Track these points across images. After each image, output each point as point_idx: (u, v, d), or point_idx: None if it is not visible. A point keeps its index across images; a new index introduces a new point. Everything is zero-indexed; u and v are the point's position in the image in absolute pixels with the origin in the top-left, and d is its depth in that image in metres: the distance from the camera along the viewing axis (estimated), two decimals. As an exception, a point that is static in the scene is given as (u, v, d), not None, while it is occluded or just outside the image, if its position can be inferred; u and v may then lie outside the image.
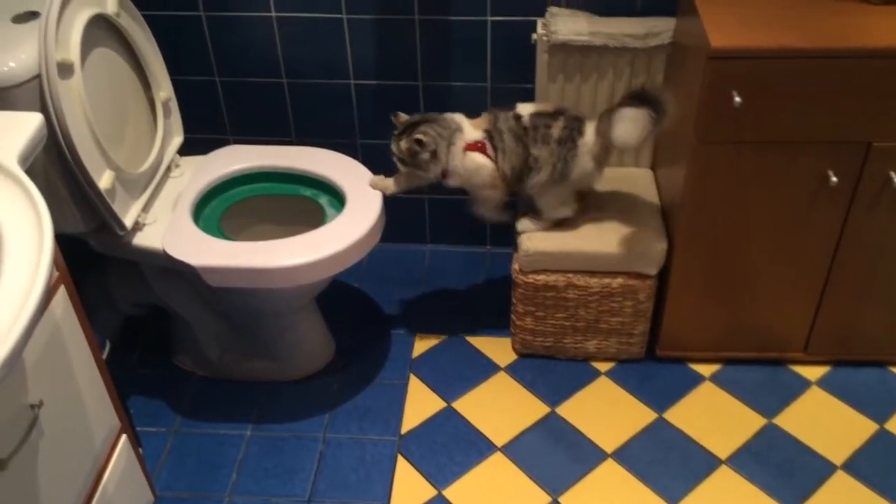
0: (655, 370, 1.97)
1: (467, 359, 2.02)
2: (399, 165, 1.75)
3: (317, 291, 1.85)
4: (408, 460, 1.79)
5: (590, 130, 1.71)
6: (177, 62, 2.01)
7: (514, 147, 1.71)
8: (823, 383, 1.93)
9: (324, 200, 1.84)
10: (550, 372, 1.97)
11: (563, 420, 1.86)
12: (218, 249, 1.65)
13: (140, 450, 1.58)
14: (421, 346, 2.06)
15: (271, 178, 1.87)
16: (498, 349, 2.04)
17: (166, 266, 1.71)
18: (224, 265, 1.62)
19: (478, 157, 1.73)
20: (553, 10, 1.87)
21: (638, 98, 1.61)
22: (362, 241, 1.69)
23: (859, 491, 1.70)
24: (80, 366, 1.27)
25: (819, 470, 1.74)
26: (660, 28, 1.81)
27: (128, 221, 1.66)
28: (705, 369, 1.97)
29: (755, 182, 1.67)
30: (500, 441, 1.82)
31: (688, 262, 1.80)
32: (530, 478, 1.75)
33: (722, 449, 1.79)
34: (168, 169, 1.85)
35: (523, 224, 1.84)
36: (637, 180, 1.98)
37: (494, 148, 1.72)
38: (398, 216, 2.25)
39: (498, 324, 2.09)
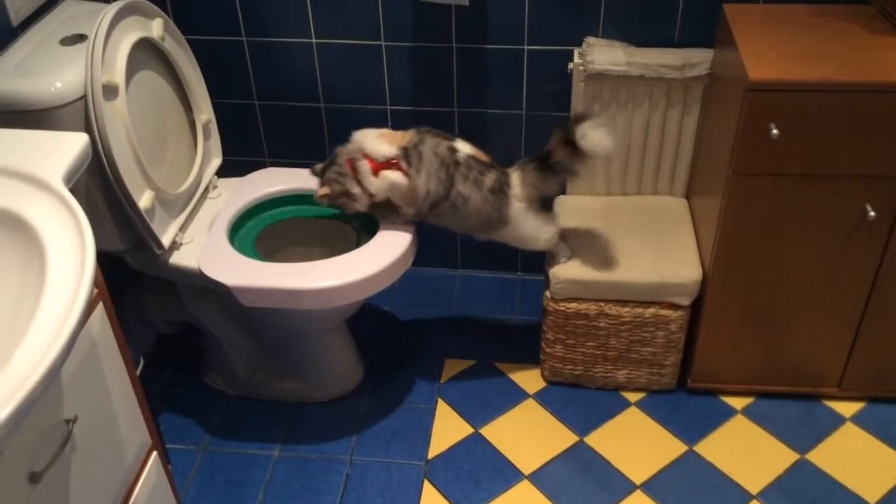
0: (686, 402, 1.95)
1: (496, 385, 2.01)
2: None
3: (348, 314, 1.86)
4: (434, 485, 1.78)
5: (515, 181, 1.74)
6: (218, 86, 2.05)
7: (436, 171, 1.69)
8: (858, 420, 1.89)
9: (357, 224, 1.86)
10: (580, 401, 1.96)
11: (592, 450, 1.84)
12: (252, 270, 1.67)
13: (169, 467, 1.60)
14: (449, 370, 2.06)
15: (306, 200, 1.89)
16: (527, 376, 2.03)
17: (201, 285, 1.73)
18: (258, 285, 1.64)
19: (390, 175, 1.71)
20: (590, 40, 1.88)
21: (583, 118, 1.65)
22: (394, 265, 1.70)
23: (895, 532, 1.67)
24: (114, 382, 1.29)
25: (853, 509, 1.71)
26: (697, 59, 1.81)
27: (165, 240, 1.69)
28: (737, 402, 1.94)
29: (792, 215, 1.66)
30: (527, 469, 1.81)
31: (722, 293, 1.78)
32: (557, 508, 1.74)
33: (753, 484, 1.76)
34: (206, 190, 1.88)
35: (555, 269, 1.83)
36: (671, 209, 1.98)
37: (410, 165, 1.70)
38: (430, 241, 2.26)
39: (527, 351, 2.09)
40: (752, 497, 1.74)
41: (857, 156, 1.57)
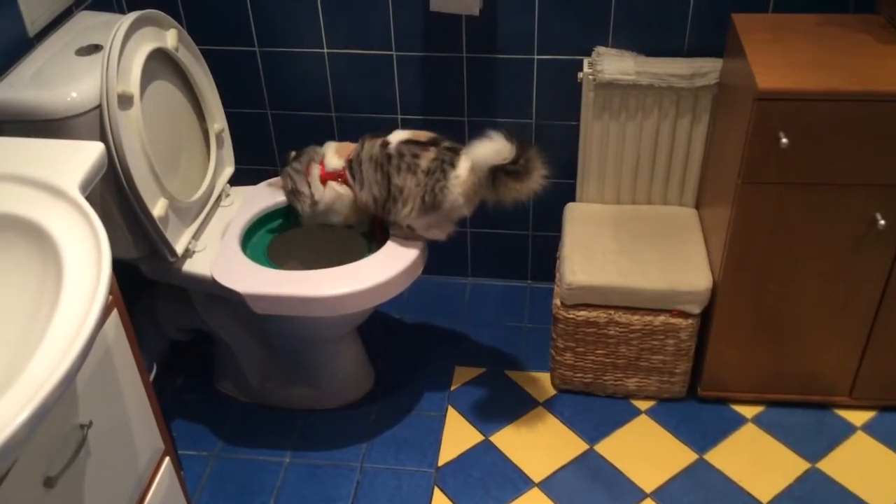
0: (697, 410, 1.95)
1: (506, 392, 2.02)
2: None
3: (359, 321, 1.87)
4: (444, 493, 1.79)
5: (464, 164, 1.63)
6: (231, 95, 2.07)
7: (373, 176, 1.68)
8: (869, 428, 1.89)
9: (368, 232, 1.87)
10: (589, 409, 1.96)
11: (602, 458, 1.85)
12: (264, 277, 1.68)
13: (181, 473, 1.61)
14: (459, 378, 2.06)
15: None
16: (537, 384, 2.04)
17: (214, 293, 1.74)
18: (270, 293, 1.65)
19: (336, 187, 1.74)
20: (600, 49, 1.89)
21: (510, 135, 1.59)
22: (405, 272, 1.71)
23: (906, 542, 1.66)
24: (128, 388, 1.30)
25: (864, 518, 1.71)
26: (706, 69, 1.82)
27: (179, 248, 1.71)
28: (748, 411, 1.94)
29: (801, 223, 1.66)
30: (537, 477, 1.81)
31: (732, 301, 1.78)
32: (567, 515, 1.74)
33: (763, 492, 1.76)
34: (219, 198, 1.90)
35: (566, 276, 1.81)
36: (681, 219, 1.98)
37: (353, 177, 1.72)
38: (440, 249, 2.27)
39: (537, 358, 2.09)
40: (762, 506, 1.74)
41: (866, 165, 1.57)
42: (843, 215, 1.64)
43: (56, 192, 1.11)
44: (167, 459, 1.46)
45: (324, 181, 1.75)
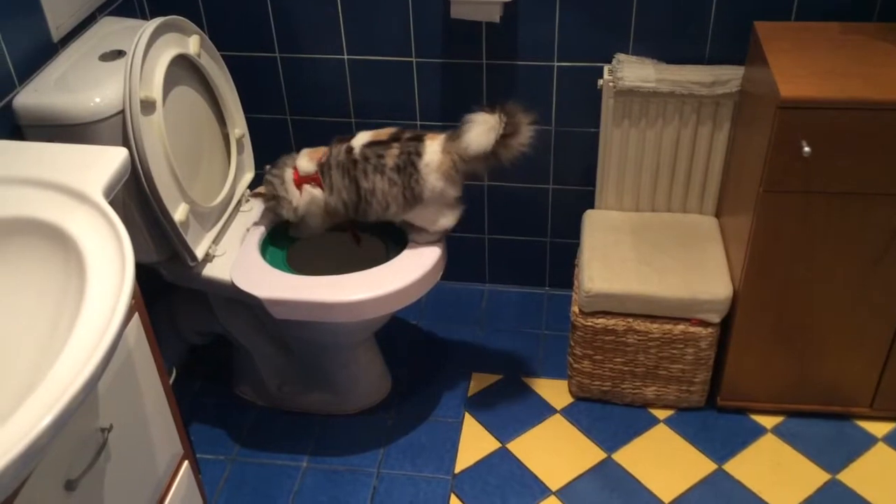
0: (716, 420, 1.94)
1: (523, 400, 2.01)
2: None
3: (377, 327, 1.87)
4: (461, 500, 1.78)
5: (431, 148, 1.66)
6: (251, 101, 2.08)
7: (341, 182, 1.70)
8: (890, 440, 1.87)
9: (387, 238, 1.87)
10: (607, 417, 1.96)
11: (620, 467, 1.84)
12: (283, 283, 1.69)
13: (199, 477, 1.61)
14: (477, 384, 2.06)
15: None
16: (554, 391, 2.03)
17: (233, 297, 1.75)
18: (289, 298, 1.66)
19: (311, 190, 1.74)
20: (620, 56, 1.89)
21: (490, 107, 1.62)
22: (424, 278, 1.71)
23: (929, 556, 1.64)
24: (148, 392, 1.31)
25: (886, 531, 1.69)
26: (728, 76, 1.81)
27: (199, 253, 1.72)
28: (767, 421, 1.93)
29: (823, 233, 1.65)
30: (554, 485, 1.81)
31: (752, 310, 1.77)
32: (585, 524, 1.73)
33: (783, 504, 1.75)
34: (239, 203, 1.91)
35: (585, 283, 1.82)
36: (701, 227, 1.97)
37: (325, 182, 1.73)
38: (458, 255, 2.27)
39: (555, 366, 2.09)
40: (782, 517, 1.72)
41: (890, 174, 1.56)
42: (866, 225, 1.62)
43: (80, 197, 1.12)
44: (186, 463, 1.46)
45: (298, 185, 1.75)
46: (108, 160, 1.20)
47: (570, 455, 1.87)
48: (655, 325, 1.83)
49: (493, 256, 2.30)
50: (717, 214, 2.01)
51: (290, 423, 1.98)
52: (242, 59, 2.03)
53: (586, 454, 1.87)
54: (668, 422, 1.94)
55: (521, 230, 2.23)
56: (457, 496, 1.79)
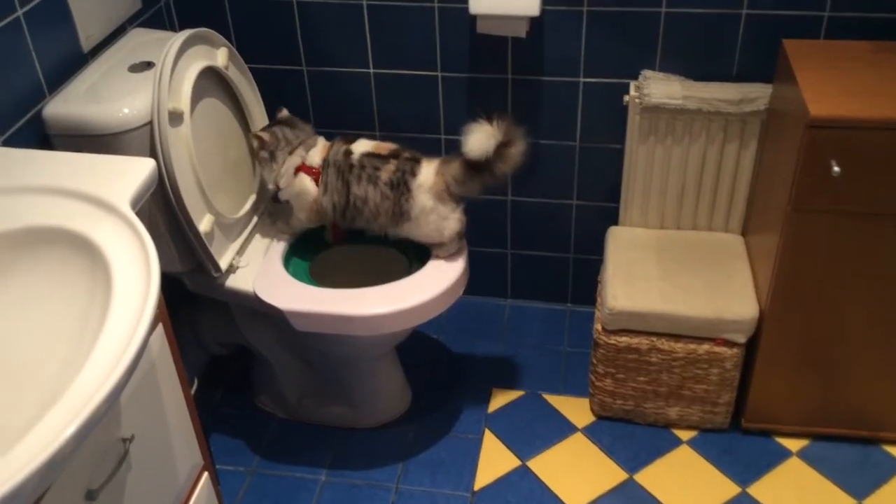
0: (740, 442, 1.91)
1: (544, 417, 2.00)
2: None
3: (398, 341, 1.86)
4: (480, 518, 1.77)
5: (426, 171, 1.69)
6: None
7: (335, 183, 1.71)
8: (920, 467, 1.84)
9: (410, 252, 1.87)
10: (629, 436, 1.93)
11: (642, 488, 1.81)
12: (306, 295, 1.69)
13: (219, 488, 1.61)
14: (497, 401, 2.05)
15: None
16: (575, 409, 2.01)
17: (255, 308, 1.75)
18: (311, 310, 1.66)
19: (306, 182, 1.73)
20: (647, 73, 1.88)
21: (487, 117, 1.63)
22: (446, 293, 1.70)
23: (959, 586, 1.60)
24: (170, 402, 1.31)
25: (914, 560, 1.65)
26: (756, 94, 1.79)
27: (223, 264, 1.72)
28: (793, 444, 1.90)
29: (853, 253, 1.62)
30: (575, 505, 1.79)
31: (779, 331, 1.75)
32: (605, 545, 1.71)
33: (809, 530, 1.72)
34: (263, 215, 1.91)
35: (608, 300, 1.81)
36: (727, 245, 1.95)
37: (322, 179, 1.73)
38: (480, 270, 2.26)
39: (576, 383, 2.07)
40: (807, 543, 1.69)
41: (921, 195, 1.54)
42: (897, 246, 1.60)
43: (107, 207, 1.12)
44: (206, 474, 1.46)
45: (296, 171, 1.74)
46: (136, 171, 1.20)
47: (591, 475, 1.85)
48: (679, 345, 1.81)
49: (516, 271, 2.29)
50: (744, 233, 1.99)
51: (310, 436, 1.97)
52: (269, 72, 2.04)
53: (607, 474, 1.85)
54: (692, 443, 1.91)
55: (544, 245, 2.22)
56: (476, 513, 1.78)
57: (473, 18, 1.86)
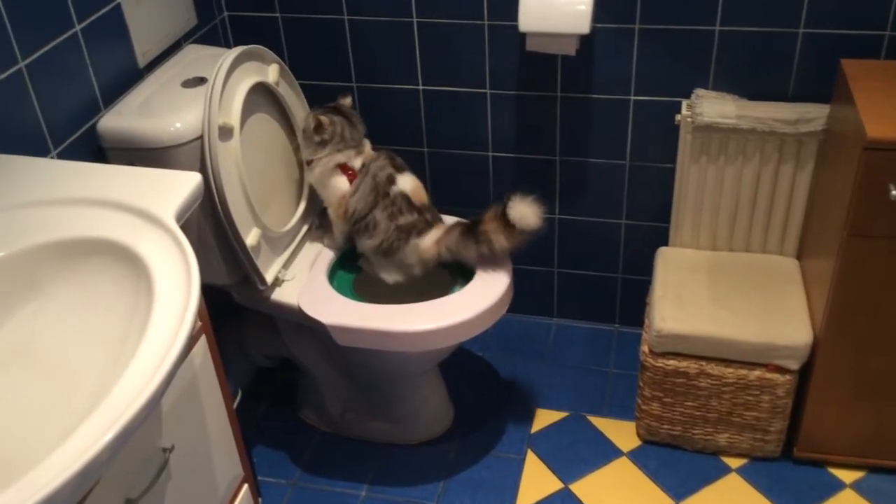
0: (791, 472, 1.85)
1: (588, 439, 1.96)
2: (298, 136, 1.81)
3: (441, 358, 1.86)
4: (520, 540, 1.75)
5: (431, 237, 1.75)
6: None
7: (366, 194, 1.75)
8: (984, 505, 1.75)
9: (454, 268, 1.86)
10: (676, 462, 1.89)
11: (687, 515, 1.77)
12: (349, 310, 1.69)
13: (260, 500, 1.62)
14: (541, 421, 2.02)
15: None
16: (621, 432, 1.97)
17: (300, 322, 1.76)
18: (354, 325, 1.66)
19: (340, 179, 1.76)
20: (700, 91, 1.85)
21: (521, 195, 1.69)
22: (490, 310, 1.69)
23: None
24: (212, 413, 1.32)
25: None
26: (812, 114, 1.75)
27: (269, 277, 1.74)
28: (847, 475, 1.83)
29: (912, 280, 1.56)
30: (617, 530, 1.75)
31: (834, 358, 1.69)
32: (648, 574, 1.66)
33: (863, 566, 1.65)
34: (309, 229, 1.93)
35: (657, 322, 1.78)
36: (780, 269, 1.90)
37: (357, 180, 1.76)
38: (526, 288, 2.24)
39: (622, 406, 2.03)
40: (860, 580, 1.63)
41: None
42: (960, 273, 1.54)
43: (152, 220, 1.14)
44: (246, 486, 1.47)
45: (336, 167, 1.77)
46: (182, 184, 1.22)
47: (636, 501, 1.81)
48: (730, 370, 1.76)
49: (562, 290, 2.27)
50: (799, 256, 1.93)
51: (352, 451, 1.97)
52: (320, 88, 2.06)
53: (653, 501, 1.80)
54: (741, 471, 1.86)
55: (591, 265, 2.19)
56: (516, 535, 1.75)
57: (523, 36, 1.85)
